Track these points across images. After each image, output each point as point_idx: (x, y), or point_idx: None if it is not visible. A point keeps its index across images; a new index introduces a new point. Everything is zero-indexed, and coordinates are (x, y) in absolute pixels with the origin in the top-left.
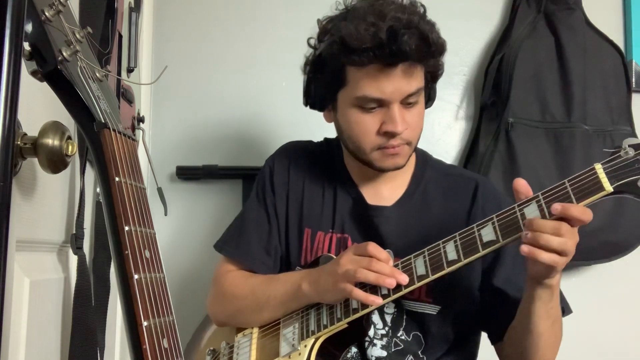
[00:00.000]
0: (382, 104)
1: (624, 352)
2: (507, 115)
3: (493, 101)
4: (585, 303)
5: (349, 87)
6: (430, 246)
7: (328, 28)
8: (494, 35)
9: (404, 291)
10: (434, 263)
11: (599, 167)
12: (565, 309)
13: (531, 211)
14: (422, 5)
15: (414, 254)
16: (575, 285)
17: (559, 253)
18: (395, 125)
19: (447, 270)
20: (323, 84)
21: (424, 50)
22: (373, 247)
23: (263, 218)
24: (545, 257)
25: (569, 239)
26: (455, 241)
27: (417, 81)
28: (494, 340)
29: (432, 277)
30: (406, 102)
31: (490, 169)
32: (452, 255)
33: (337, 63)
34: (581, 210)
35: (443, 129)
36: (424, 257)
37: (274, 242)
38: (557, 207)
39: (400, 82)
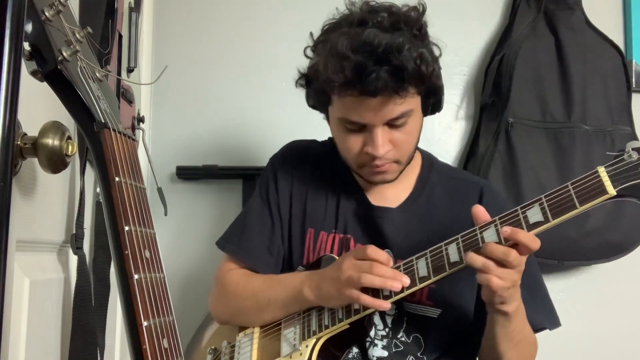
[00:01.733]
0: (364, 126)
1: (624, 352)
2: (507, 115)
3: (493, 101)
4: (586, 303)
5: (333, 106)
6: (433, 247)
7: (318, 41)
8: (494, 35)
9: (406, 292)
10: (436, 264)
11: (602, 171)
12: (551, 325)
13: (490, 234)
14: (420, 17)
15: (416, 256)
16: (575, 285)
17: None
18: (376, 149)
19: (449, 271)
20: (313, 97)
21: (398, 85)
22: (372, 250)
23: (266, 217)
24: (482, 277)
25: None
26: (457, 243)
27: (402, 105)
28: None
29: (433, 279)
30: (392, 124)
31: (490, 168)
32: (454, 257)
33: (320, 84)
34: (529, 238)
35: (443, 129)
36: (426, 258)
37: (276, 241)
38: (506, 230)
39: (380, 108)
